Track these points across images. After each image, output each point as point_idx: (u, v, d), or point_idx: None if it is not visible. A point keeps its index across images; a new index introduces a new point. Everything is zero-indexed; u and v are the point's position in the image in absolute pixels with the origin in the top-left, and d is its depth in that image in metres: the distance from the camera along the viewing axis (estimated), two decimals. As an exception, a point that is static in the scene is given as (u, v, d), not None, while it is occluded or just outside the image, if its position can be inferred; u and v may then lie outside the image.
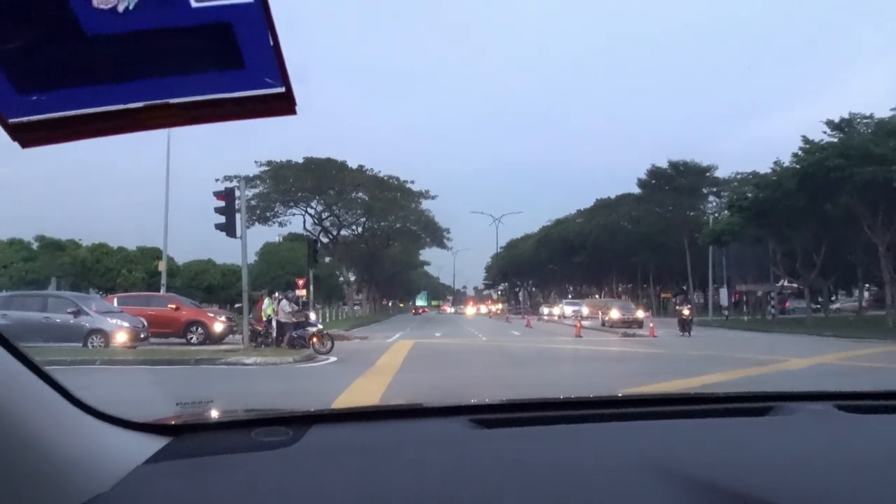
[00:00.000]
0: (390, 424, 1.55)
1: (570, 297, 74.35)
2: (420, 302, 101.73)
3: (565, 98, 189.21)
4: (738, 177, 51.53)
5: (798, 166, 31.27)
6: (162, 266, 28.23)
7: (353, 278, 55.97)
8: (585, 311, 44.62)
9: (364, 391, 9.53)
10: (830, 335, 25.67)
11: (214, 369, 13.14)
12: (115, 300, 21.27)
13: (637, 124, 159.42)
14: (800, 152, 31.44)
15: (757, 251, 41.35)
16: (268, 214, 46.77)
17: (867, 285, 47.52)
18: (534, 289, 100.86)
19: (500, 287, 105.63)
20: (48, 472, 0.98)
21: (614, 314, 34.58)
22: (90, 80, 0.82)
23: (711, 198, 56.46)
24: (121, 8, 0.77)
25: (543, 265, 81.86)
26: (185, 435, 1.34)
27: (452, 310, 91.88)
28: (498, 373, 13.12)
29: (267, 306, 18.34)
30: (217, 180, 37.58)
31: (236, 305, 24.04)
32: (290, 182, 45.43)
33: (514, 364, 15.19)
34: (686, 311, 27.66)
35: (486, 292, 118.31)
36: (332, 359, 15.33)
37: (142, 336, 17.23)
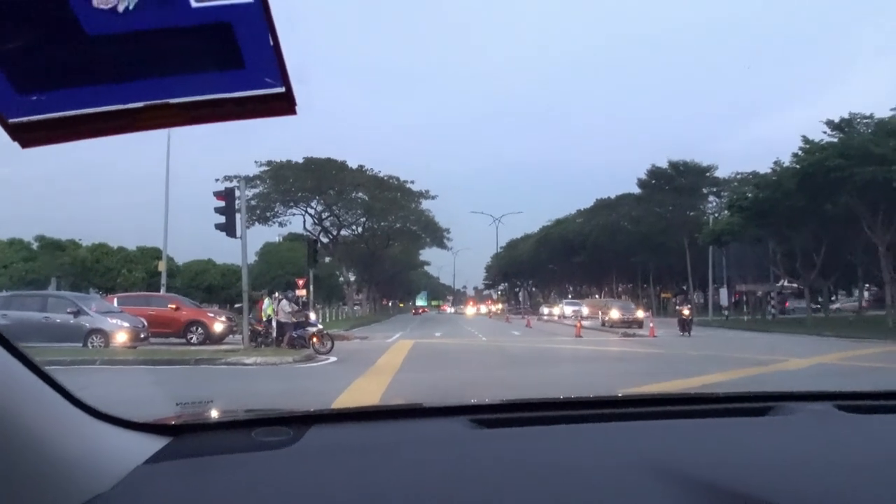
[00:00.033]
0: (390, 424, 1.55)
1: (569, 297, 74.33)
2: (420, 302, 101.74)
3: (565, 98, 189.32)
4: (738, 177, 51.53)
5: (798, 166, 31.27)
6: (162, 266, 28.23)
7: (352, 278, 55.98)
8: (586, 311, 44.65)
9: (364, 391, 9.53)
10: (830, 335, 25.68)
11: (214, 369, 13.14)
12: (115, 300, 21.27)
13: (637, 124, 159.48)
14: (800, 152, 31.45)
15: (757, 251, 41.36)
16: (268, 214, 46.79)
17: (867, 285, 47.52)
18: (534, 289, 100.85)
19: (500, 287, 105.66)
20: (48, 473, 0.98)
21: (615, 314, 34.58)
22: (90, 80, 0.82)
23: (711, 198, 56.48)
24: (121, 8, 0.77)
25: (543, 265, 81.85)
26: (185, 435, 1.34)
27: (452, 310, 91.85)
28: (498, 373, 13.12)
29: (267, 306, 18.34)
30: (217, 180, 37.65)
31: (236, 305, 24.04)
32: (290, 182, 45.44)
33: (514, 364, 15.18)
34: (686, 311, 27.66)
35: (486, 292, 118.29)
36: (332, 359, 15.33)
37: (142, 336, 17.22)
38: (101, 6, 0.77)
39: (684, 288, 56.38)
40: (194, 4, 0.78)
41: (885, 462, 1.29)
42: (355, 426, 1.51)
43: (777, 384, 10.65)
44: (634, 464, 1.24)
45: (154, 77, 0.82)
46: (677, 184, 53.61)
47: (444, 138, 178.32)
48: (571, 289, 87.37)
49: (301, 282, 26.11)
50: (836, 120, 31.47)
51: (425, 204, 51.53)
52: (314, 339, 16.49)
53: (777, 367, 13.44)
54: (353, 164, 46.93)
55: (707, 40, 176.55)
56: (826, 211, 32.00)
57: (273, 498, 1.12)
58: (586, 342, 22.11)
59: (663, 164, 55.20)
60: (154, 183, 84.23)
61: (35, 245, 36.05)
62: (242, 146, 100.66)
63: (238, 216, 16.71)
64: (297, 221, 49.07)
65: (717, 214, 52.87)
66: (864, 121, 31.02)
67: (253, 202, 41.75)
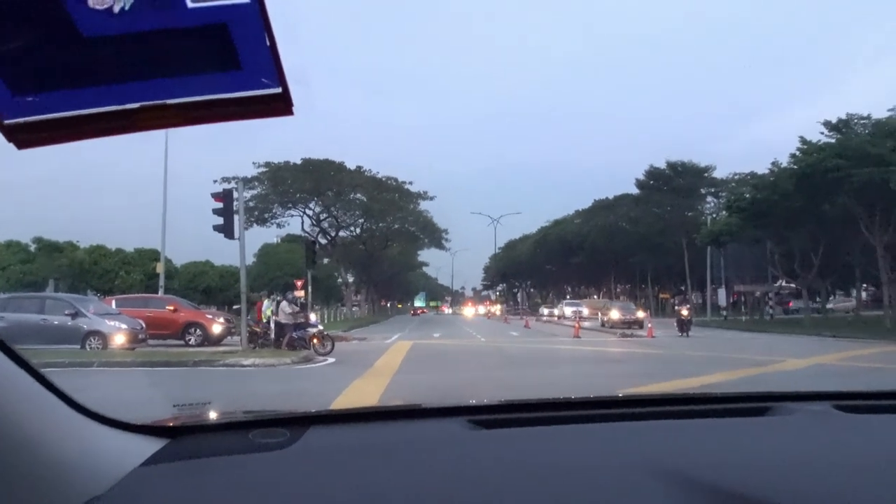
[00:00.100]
0: (389, 425, 1.55)
1: (568, 297, 74.42)
2: (418, 303, 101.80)
3: (566, 98, 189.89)
4: (736, 177, 51.65)
5: (796, 167, 31.31)
6: (160, 268, 28.21)
7: (351, 279, 56.04)
8: (585, 311, 44.70)
9: (362, 392, 9.53)
10: (829, 335, 25.71)
11: (212, 371, 13.12)
12: (113, 302, 21.24)
13: (637, 124, 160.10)
14: (798, 153, 31.50)
15: (755, 252, 41.41)
16: (266, 216, 46.81)
17: (865, 285, 47.59)
18: (532, 290, 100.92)
19: (499, 288, 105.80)
20: (45, 475, 0.98)
21: (615, 315, 34.59)
22: (87, 81, 0.81)
23: (709, 198, 56.60)
24: (117, 9, 0.77)
25: (541, 266, 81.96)
26: (182, 437, 1.33)
27: (451, 311, 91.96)
28: (496, 374, 13.12)
29: (267, 307, 18.32)
30: (215, 181, 37.67)
31: (234, 307, 24.03)
32: (288, 183, 45.47)
33: (513, 365, 15.19)
34: (684, 312, 27.67)
35: (484, 293, 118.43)
36: (331, 360, 15.32)
37: (140, 338, 17.20)
38: (97, 7, 0.77)
39: (682, 288, 56.42)
40: (190, 5, 0.78)
41: (884, 462, 1.29)
42: (354, 427, 1.51)
43: (776, 384, 10.66)
44: (634, 464, 1.24)
45: (150, 78, 0.82)
46: (675, 184, 53.71)
47: (446, 139, 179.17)
48: (570, 289, 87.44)
49: (299, 283, 26.08)
50: (834, 121, 31.57)
51: (424, 205, 51.68)
52: (315, 340, 16.48)
53: (776, 367, 13.46)
54: (352, 165, 47.08)
55: (707, 40, 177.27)
56: (824, 211, 32.05)
57: (271, 499, 1.12)
58: (585, 343, 22.12)
59: (662, 165, 55.39)
60: (152, 185, 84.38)
61: (33, 247, 35.98)
62: (241, 147, 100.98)
63: (236, 217, 16.70)
64: (295, 223, 49.19)
65: (715, 215, 52.89)
66: (862, 122, 31.13)
67: (251, 203, 41.76)
